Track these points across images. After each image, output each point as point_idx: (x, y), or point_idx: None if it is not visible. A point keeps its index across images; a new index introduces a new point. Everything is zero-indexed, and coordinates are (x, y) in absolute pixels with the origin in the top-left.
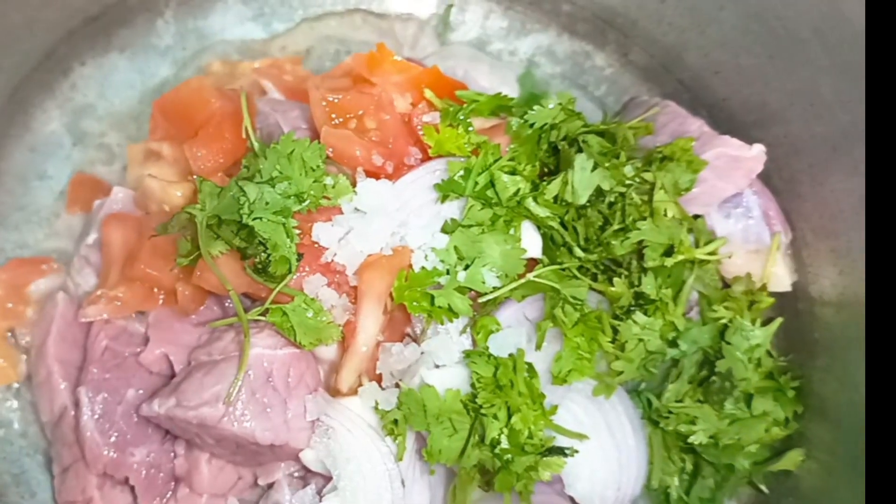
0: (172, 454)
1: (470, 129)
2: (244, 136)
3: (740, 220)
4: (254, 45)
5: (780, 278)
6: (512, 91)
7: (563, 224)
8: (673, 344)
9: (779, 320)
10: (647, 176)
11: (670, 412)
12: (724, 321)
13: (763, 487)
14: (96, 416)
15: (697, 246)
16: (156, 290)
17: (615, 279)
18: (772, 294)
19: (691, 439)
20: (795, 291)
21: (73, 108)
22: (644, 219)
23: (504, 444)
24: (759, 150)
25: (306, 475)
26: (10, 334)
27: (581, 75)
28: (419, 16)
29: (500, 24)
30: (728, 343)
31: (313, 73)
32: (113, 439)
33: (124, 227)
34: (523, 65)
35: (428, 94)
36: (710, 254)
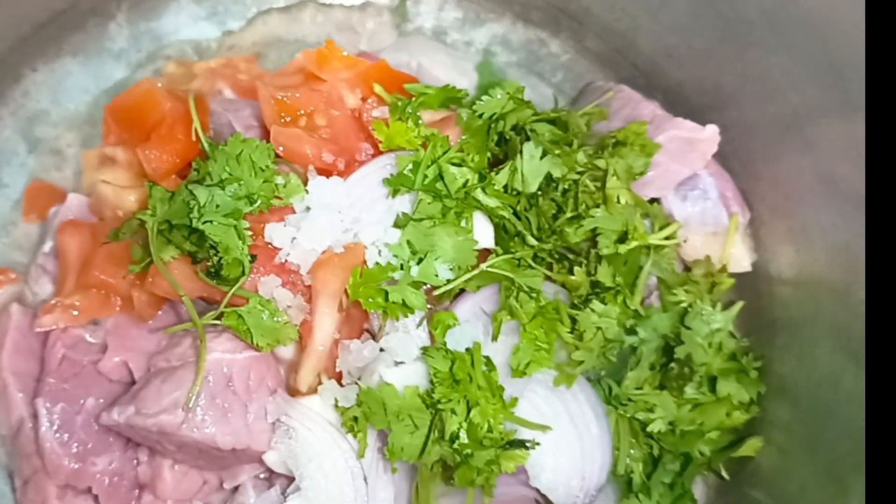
0: (135, 461)
1: (419, 122)
2: (194, 138)
3: (697, 203)
4: (209, 45)
5: (740, 259)
6: (470, 81)
7: (515, 214)
8: (631, 331)
9: (740, 304)
10: (600, 163)
11: (630, 399)
12: (683, 305)
13: (724, 474)
14: (55, 427)
15: (654, 230)
16: (112, 296)
17: (576, 269)
18: (732, 275)
19: (650, 427)
20: (755, 272)
21: (26, 115)
22: (598, 206)
23: (463, 438)
24: (712, 130)
25: (271, 477)
26: None
27: (537, 63)
28: (375, 7)
29: (455, 14)
30: (688, 328)
31: (269, 71)
32: (74, 449)
33: (80, 234)
34: (480, 55)
35: (377, 88)
36: (667, 238)
